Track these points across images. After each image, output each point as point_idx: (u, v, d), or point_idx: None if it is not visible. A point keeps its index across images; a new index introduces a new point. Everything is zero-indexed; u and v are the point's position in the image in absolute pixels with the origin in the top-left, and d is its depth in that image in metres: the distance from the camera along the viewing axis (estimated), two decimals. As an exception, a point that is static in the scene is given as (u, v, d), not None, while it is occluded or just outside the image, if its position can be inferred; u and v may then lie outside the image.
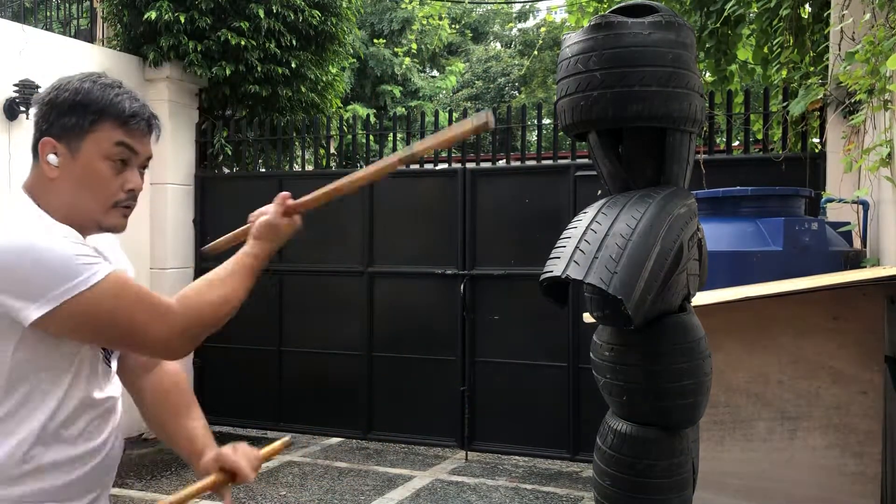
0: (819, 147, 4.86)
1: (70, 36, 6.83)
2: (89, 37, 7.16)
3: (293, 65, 6.34)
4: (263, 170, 6.49)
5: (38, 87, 5.13)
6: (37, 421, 1.34)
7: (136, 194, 1.44)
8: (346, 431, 5.89)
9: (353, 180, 1.53)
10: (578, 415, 5.19)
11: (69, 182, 1.39)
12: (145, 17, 5.89)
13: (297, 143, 6.51)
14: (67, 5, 8.14)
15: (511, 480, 5.03)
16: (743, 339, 2.59)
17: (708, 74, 6.18)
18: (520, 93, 18.47)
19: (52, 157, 1.39)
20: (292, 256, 5.74)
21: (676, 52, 1.52)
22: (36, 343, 1.32)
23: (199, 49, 6.01)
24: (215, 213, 6.23)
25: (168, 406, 1.62)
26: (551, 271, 1.47)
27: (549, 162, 5.71)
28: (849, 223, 3.47)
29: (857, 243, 3.59)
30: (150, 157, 1.49)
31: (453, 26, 17.36)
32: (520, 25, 20.24)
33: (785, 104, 4.66)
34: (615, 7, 1.62)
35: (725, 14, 5.60)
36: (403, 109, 12.34)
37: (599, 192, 2.19)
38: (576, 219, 1.56)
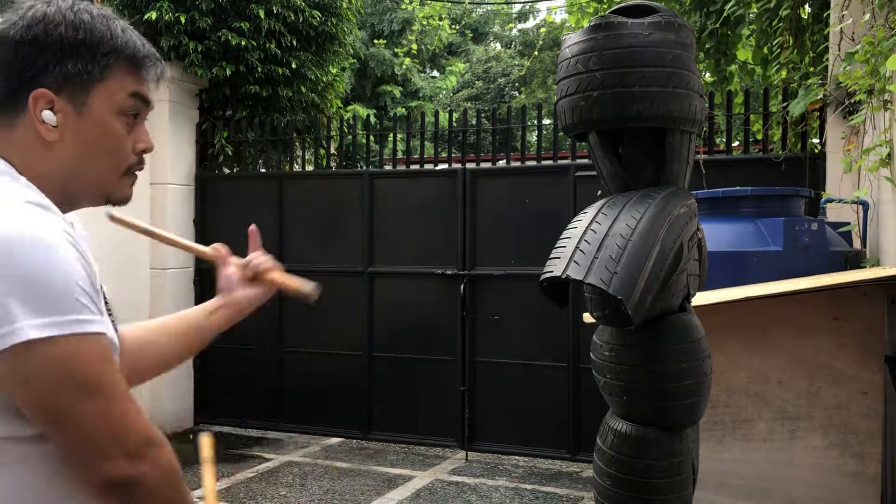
0: (819, 147, 4.86)
1: (70, 36, 6.82)
2: (89, 37, 7.16)
3: (293, 65, 6.35)
4: (264, 170, 6.49)
5: (38, 87, 5.13)
6: None
7: (149, 151, 1.18)
8: (346, 431, 5.90)
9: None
10: (578, 415, 5.20)
11: (73, 146, 1.09)
12: (145, 17, 5.89)
13: (297, 144, 6.52)
14: (67, 6, 8.14)
15: (511, 480, 5.03)
16: (743, 340, 2.59)
17: (708, 75, 6.18)
18: (520, 93, 18.48)
19: (47, 115, 1.06)
20: (292, 257, 5.75)
21: (676, 52, 1.53)
22: None
23: (199, 49, 6.01)
24: (216, 213, 6.23)
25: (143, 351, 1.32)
26: (551, 271, 1.47)
27: (549, 162, 5.71)
28: (849, 223, 3.47)
29: (856, 243, 3.59)
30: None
31: (453, 27, 17.37)
32: (520, 26, 20.27)
33: (785, 104, 4.66)
34: (615, 7, 1.62)
35: (725, 14, 5.60)
36: (403, 110, 12.35)
37: (599, 192, 2.19)
38: (576, 219, 1.56)
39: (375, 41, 13.98)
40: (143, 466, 1.00)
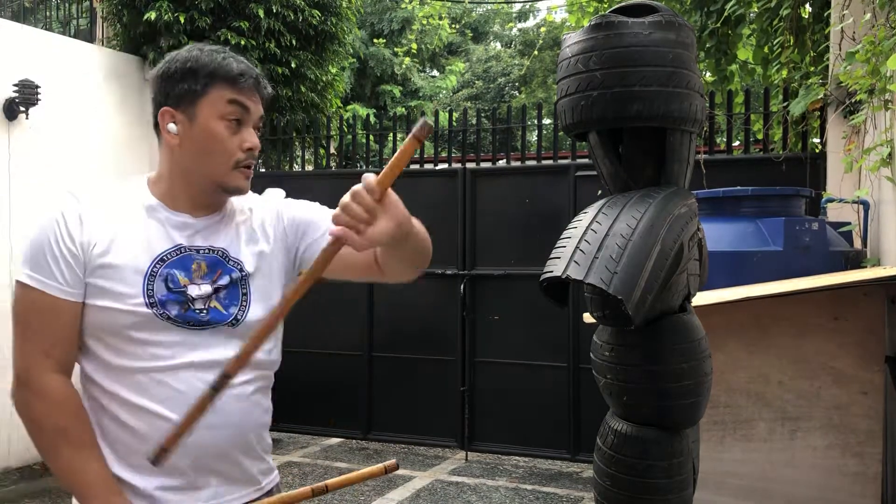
0: (819, 147, 4.86)
1: (70, 36, 6.82)
2: (89, 37, 7.16)
3: (293, 65, 6.34)
4: (263, 170, 6.49)
5: (38, 87, 5.13)
6: None
7: (254, 153, 1.44)
8: (346, 431, 5.89)
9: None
10: (578, 415, 5.19)
11: (190, 147, 1.42)
12: (145, 17, 5.89)
13: (297, 143, 6.51)
14: (67, 5, 8.14)
15: (511, 481, 5.03)
16: (743, 340, 2.59)
17: (708, 74, 6.18)
18: (520, 93, 18.47)
19: (171, 126, 1.42)
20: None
21: (677, 51, 1.52)
22: None
23: (199, 49, 6.01)
24: (215, 213, 6.22)
25: None
26: (551, 271, 1.47)
27: (549, 162, 5.70)
28: (849, 223, 3.46)
29: (857, 243, 3.59)
30: (262, 117, 1.47)
31: (453, 26, 17.36)
32: (520, 25, 20.26)
33: (785, 104, 4.66)
34: (615, 7, 1.62)
35: (725, 14, 5.59)
36: (403, 109, 12.35)
37: (599, 192, 2.19)
38: (576, 219, 1.56)
39: (375, 41, 13.97)
40: (17, 395, 1.39)
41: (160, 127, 1.44)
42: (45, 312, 1.37)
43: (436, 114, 13.66)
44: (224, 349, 1.38)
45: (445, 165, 5.94)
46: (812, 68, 4.77)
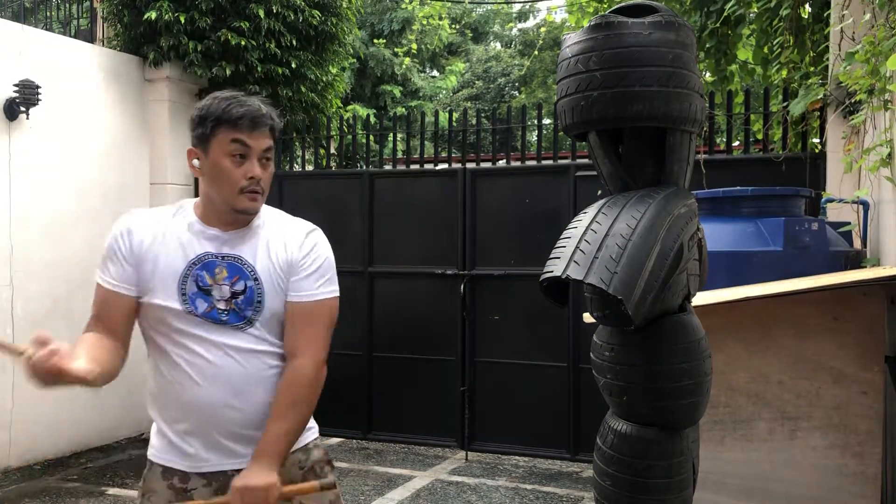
0: (819, 147, 4.86)
1: (70, 36, 6.83)
2: (89, 37, 7.16)
3: (293, 65, 6.34)
4: (263, 170, 6.48)
5: (38, 87, 5.13)
6: None
7: (256, 180, 1.77)
8: (346, 431, 5.89)
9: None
10: (578, 415, 5.19)
11: (207, 178, 1.80)
12: (145, 17, 5.89)
13: (297, 143, 6.51)
14: (67, 5, 8.14)
15: (511, 480, 5.03)
16: (743, 340, 2.59)
17: (708, 74, 6.18)
18: (520, 93, 18.47)
19: (195, 162, 1.81)
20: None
21: (677, 52, 1.52)
22: None
23: (199, 49, 6.01)
24: (215, 213, 6.22)
25: (275, 398, 1.81)
26: (551, 271, 1.47)
27: (549, 162, 5.70)
28: (849, 223, 3.46)
29: (857, 243, 3.59)
30: (268, 149, 1.80)
31: (453, 26, 17.35)
32: (520, 25, 20.25)
33: (785, 104, 4.66)
34: (615, 7, 1.62)
35: (725, 14, 5.60)
36: (403, 109, 12.34)
37: (599, 192, 2.19)
38: (576, 219, 1.56)
39: (375, 41, 13.96)
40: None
41: (188, 162, 1.83)
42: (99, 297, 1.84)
43: (436, 114, 13.66)
44: (237, 340, 1.79)
45: (445, 165, 5.94)
46: (812, 68, 4.77)
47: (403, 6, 14.64)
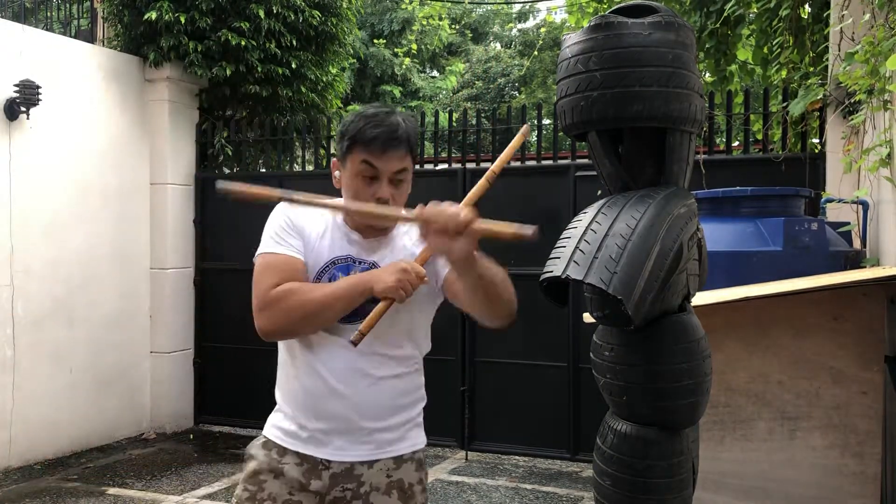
0: (819, 147, 4.86)
1: (70, 36, 6.83)
2: (90, 37, 7.17)
3: (293, 65, 6.35)
4: (264, 170, 6.49)
5: (38, 87, 5.14)
6: None
7: (384, 201, 1.82)
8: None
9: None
10: (578, 415, 5.19)
11: (344, 191, 1.90)
12: (145, 17, 5.89)
13: (297, 144, 6.52)
14: (67, 5, 8.15)
15: (511, 480, 5.03)
16: (743, 340, 2.59)
17: (708, 74, 6.18)
18: (520, 93, 18.46)
19: (336, 173, 1.93)
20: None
21: (676, 52, 1.52)
22: None
23: (199, 49, 6.01)
24: (215, 213, 6.23)
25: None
26: (551, 271, 1.47)
27: (549, 162, 5.70)
28: (849, 223, 3.46)
29: (856, 243, 3.59)
30: (401, 170, 1.85)
31: (453, 26, 17.36)
32: (520, 26, 20.26)
33: (785, 104, 4.66)
34: (615, 7, 1.62)
35: (725, 14, 5.60)
36: (403, 109, 12.35)
37: (599, 192, 2.19)
38: (576, 219, 1.56)
39: (375, 41, 13.98)
40: (258, 321, 1.83)
41: (332, 172, 1.95)
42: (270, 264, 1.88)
43: (436, 114, 13.66)
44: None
45: (445, 165, 5.94)
46: (811, 68, 4.77)
47: (403, 6, 14.65)
